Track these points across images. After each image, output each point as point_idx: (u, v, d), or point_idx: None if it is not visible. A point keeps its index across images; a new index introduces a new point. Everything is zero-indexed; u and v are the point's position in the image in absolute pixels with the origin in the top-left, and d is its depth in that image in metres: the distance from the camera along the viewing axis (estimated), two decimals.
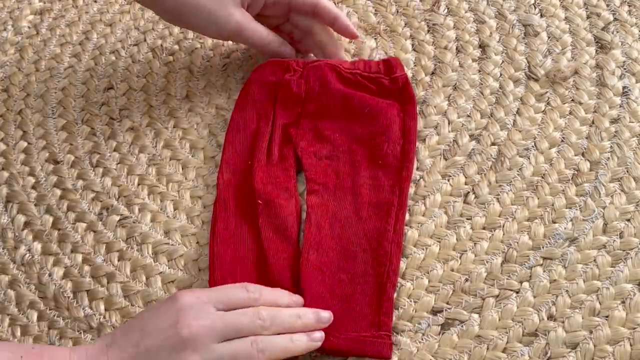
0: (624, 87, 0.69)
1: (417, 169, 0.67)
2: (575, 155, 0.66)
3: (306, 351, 0.59)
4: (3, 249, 0.69)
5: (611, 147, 0.66)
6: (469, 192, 0.66)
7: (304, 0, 0.70)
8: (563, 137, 0.67)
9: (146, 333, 0.55)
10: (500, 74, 0.71)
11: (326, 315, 0.60)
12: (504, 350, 0.59)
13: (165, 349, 0.54)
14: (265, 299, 0.59)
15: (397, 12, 0.77)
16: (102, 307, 0.65)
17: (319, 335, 0.59)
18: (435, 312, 0.61)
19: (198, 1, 0.66)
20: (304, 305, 0.61)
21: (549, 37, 0.73)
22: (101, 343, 0.56)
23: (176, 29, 0.80)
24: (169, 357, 0.54)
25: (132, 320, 0.58)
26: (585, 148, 0.66)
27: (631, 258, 0.61)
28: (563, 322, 0.59)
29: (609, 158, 0.66)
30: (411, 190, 0.66)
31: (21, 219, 0.70)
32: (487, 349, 0.59)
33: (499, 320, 0.60)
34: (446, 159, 0.68)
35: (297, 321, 0.59)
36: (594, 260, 0.61)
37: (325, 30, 0.72)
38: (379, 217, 0.64)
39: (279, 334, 0.58)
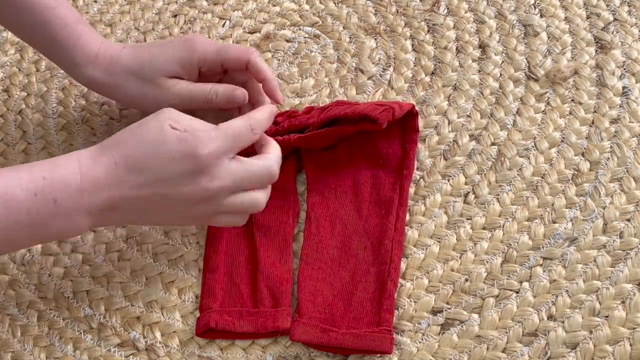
0: (623, 87, 0.69)
1: (417, 169, 0.67)
2: (575, 155, 0.66)
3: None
4: None
5: (611, 147, 0.66)
6: (469, 192, 0.66)
7: (237, 58, 0.67)
8: (563, 137, 0.67)
9: (161, 179, 0.55)
10: (500, 74, 0.71)
11: None
12: (504, 350, 0.59)
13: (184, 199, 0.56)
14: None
15: (397, 12, 0.77)
16: (102, 307, 0.65)
17: None
18: (435, 312, 0.61)
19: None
20: (301, 303, 0.61)
21: (548, 37, 0.73)
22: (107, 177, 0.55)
23: (176, 30, 0.80)
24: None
25: (135, 149, 0.57)
26: (585, 148, 0.66)
27: (631, 258, 0.61)
28: (563, 322, 0.59)
29: (608, 158, 0.66)
30: (411, 190, 0.66)
31: None
32: (487, 349, 0.59)
33: (499, 320, 0.60)
34: (446, 159, 0.68)
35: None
36: (594, 260, 0.61)
37: (259, 88, 0.69)
38: (380, 215, 0.64)
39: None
